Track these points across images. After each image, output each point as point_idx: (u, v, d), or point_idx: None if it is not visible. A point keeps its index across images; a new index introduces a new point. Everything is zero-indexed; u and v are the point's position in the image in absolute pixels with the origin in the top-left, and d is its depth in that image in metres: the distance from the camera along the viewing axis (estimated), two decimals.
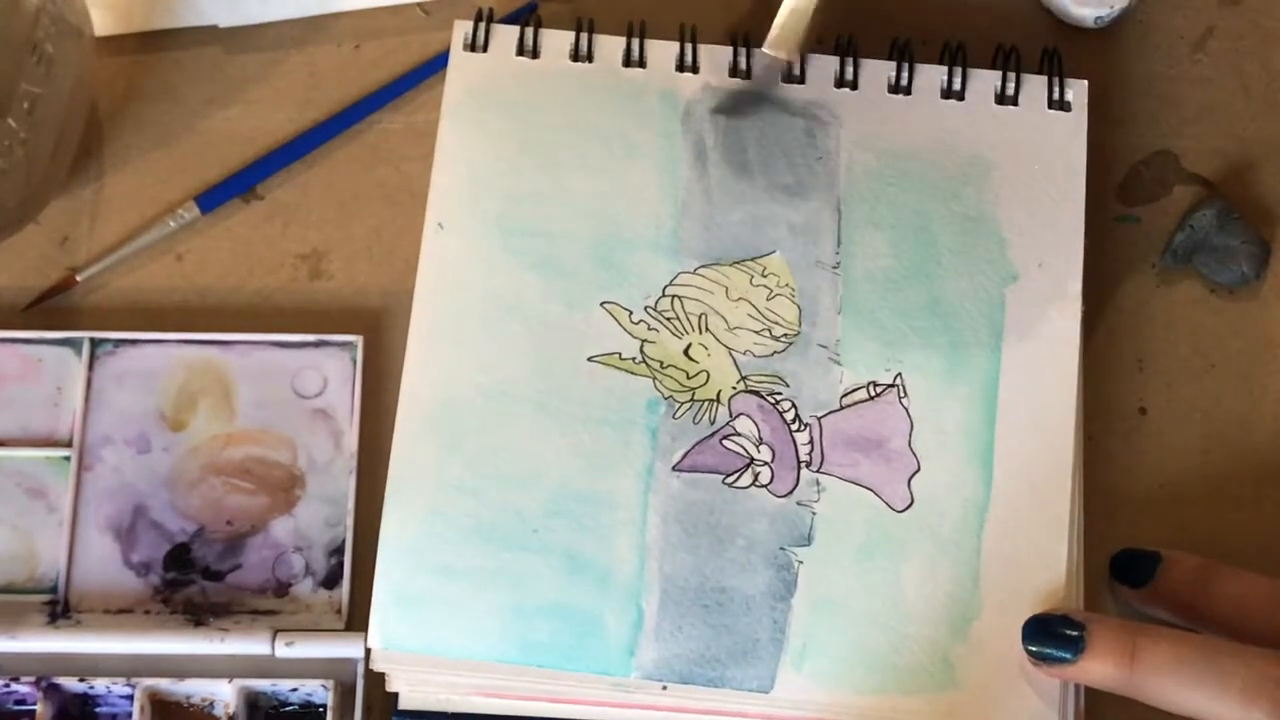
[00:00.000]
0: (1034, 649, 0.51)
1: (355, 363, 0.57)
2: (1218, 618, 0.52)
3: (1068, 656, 0.50)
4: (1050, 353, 0.55)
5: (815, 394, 0.55)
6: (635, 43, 0.58)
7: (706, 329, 0.55)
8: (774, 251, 0.56)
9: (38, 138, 0.55)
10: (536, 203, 0.56)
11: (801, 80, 0.58)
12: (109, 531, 0.56)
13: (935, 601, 0.53)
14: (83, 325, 0.58)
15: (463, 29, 0.59)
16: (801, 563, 0.53)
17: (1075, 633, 0.50)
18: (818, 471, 0.54)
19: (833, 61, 0.58)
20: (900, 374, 0.55)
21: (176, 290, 0.59)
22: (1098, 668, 0.49)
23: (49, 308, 0.59)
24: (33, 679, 0.53)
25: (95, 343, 0.57)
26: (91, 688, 0.54)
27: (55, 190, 0.59)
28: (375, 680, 0.54)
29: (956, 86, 0.58)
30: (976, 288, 0.56)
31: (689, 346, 0.55)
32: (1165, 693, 0.48)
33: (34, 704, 0.53)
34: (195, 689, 0.54)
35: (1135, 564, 0.54)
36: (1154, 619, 0.54)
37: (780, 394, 0.55)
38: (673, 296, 0.56)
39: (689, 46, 0.58)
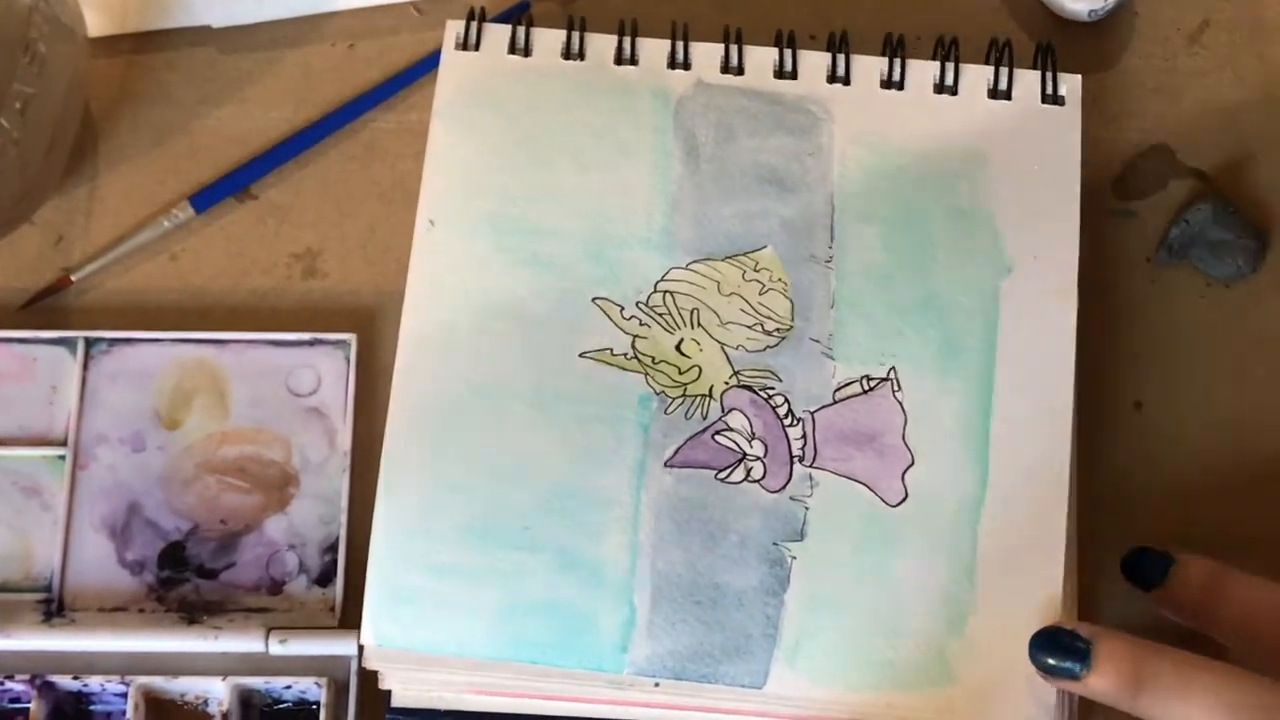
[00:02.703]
0: (1040, 661, 0.50)
1: (349, 361, 0.57)
2: (1226, 624, 0.51)
3: (1074, 670, 0.49)
4: (1046, 346, 0.55)
5: (808, 388, 0.55)
6: (627, 40, 0.58)
7: (698, 324, 0.55)
8: (766, 246, 0.56)
9: (31, 138, 0.55)
10: (528, 200, 0.56)
11: (794, 76, 0.58)
12: (103, 530, 0.56)
13: (930, 597, 0.53)
14: (77, 325, 0.58)
15: (455, 28, 0.59)
16: (795, 558, 0.53)
17: (1082, 647, 0.49)
18: (811, 466, 0.54)
19: (825, 57, 0.58)
20: (894, 368, 0.55)
21: (171, 290, 0.59)
22: (1102, 684, 0.49)
23: (44, 307, 0.59)
24: (27, 677, 0.53)
25: (90, 342, 0.57)
26: (86, 686, 0.54)
27: (49, 190, 0.59)
28: (369, 678, 0.53)
29: (949, 81, 0.58)
30: (971, 281, 0.56)
31: (681, 342, 0.55)
32: (1169, 714, 0.47)
33: (28, 702, 0.53)
34: (189, 687, 0.54)
35: (1146, 564, 0.54)
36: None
37: (773, 389, 0.55)
38: (664, 292, 0.56)
39: (680, 44, 0.58)
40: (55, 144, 0.57)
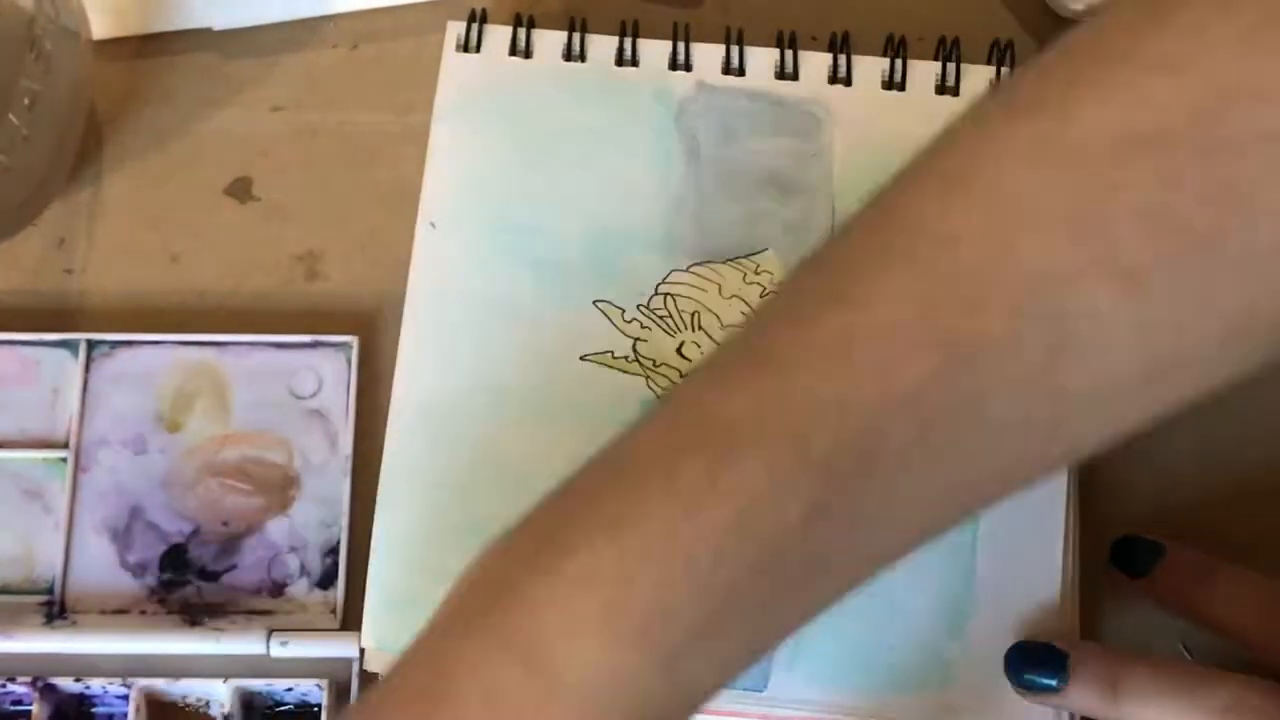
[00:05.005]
0: (1018, 677, 0.50)
1: (351, 364, 0.57)
2: (1213, 617, 0.51)
3: (1052, 685, 0.49)
4: None
5: None
6: (628, 42, 0.58)
7: (699, 327, 0.55)
8: (767, 249, 0.56)
9: (39, 135, 0.55)
10: (529, 202, 0.56)
11: (795, 77, 0.58)
12: (105, 532, 0.56)
13: (930, 599, 0.52)
14: (79, 327, 0.58)
15: (455, 29, 0.59)
16: None
17: (1059, 661, 0.49)
18: None
19: (826, 58, 0.58)
20: None
21: (173, 292, 0.59)
22: (1081, 696, 0.49)
23: (46, 309, 0.59)
24: (29, 679, 0.54)
25: (92, 344, 0.57)
26: (87, 688, 0.54)
27: (55, 193, 0.59)
28: (370, 680, 0.54)
29: (951, 83, 0.58)
30: None
31: (682, 345, 0.55)
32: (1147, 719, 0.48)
33: (30, 704, 0.54)
34: (191, 689, 0.54)
35: (1135, 553, 0.54)
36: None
37: None
38: (665, 295, 0.56)
39: (681, 45, 0.58)
40: (62, 144, 0.57)
